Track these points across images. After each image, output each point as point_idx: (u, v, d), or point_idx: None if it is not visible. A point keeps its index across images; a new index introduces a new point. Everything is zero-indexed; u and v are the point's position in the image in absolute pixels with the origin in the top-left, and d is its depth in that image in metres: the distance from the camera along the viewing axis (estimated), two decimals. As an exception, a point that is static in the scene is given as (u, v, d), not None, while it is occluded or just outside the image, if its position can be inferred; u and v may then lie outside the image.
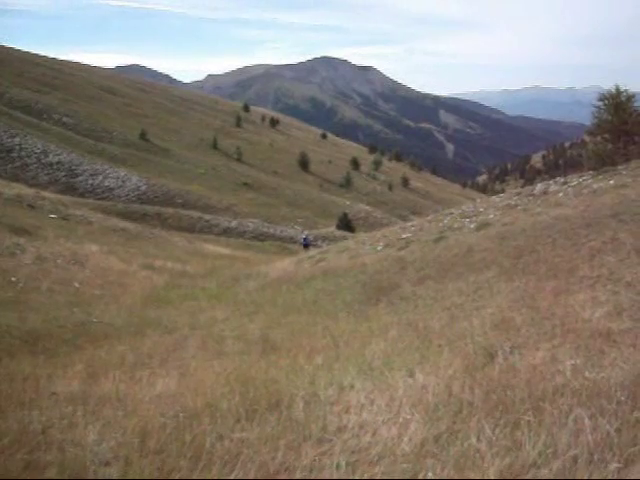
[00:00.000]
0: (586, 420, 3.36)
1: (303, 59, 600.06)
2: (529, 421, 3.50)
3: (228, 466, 3.52)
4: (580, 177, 18.56)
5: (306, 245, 38.26)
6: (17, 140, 60.22)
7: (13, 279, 16.91)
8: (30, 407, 4.95)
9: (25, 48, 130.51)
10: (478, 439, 3.38)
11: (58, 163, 59.79)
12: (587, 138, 24.59)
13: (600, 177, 17.27)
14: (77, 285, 18.19)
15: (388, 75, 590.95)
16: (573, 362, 4.58)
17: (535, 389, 4.00)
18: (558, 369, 4.49)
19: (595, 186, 16.16)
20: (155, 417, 4.47)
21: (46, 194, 45.32)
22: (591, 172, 18.74)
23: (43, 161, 59.19)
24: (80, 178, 59.20)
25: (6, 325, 12.07)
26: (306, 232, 41.89)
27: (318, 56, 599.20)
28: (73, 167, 60.19)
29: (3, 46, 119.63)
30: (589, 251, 9.90)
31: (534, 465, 3.08)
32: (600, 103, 20.67)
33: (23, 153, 59.00)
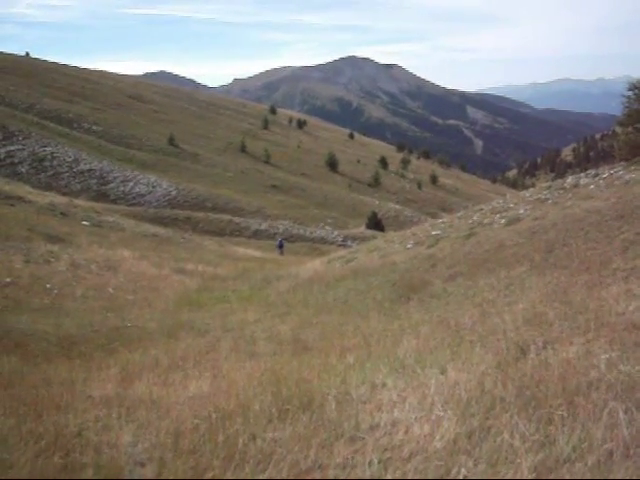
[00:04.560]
0: (621, 414, 3.31)
1: (328, 59, 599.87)
2: (563, 416, 3.46)
3: (261, 465, 3.54)
4: (611, 169, 18.28)
5: (280, 246, 42.48)
6: (49, 149, 61.23)
7: (48, 286, 17.21)
8: (66, 410, 5.03)
9: (54, 59, 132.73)
10: (511, 435, 3.35)
11: (89, 171, 60.66)
12: (618, 129, 24.17)
13: (632, 168, 17.00)
14: (111, 290, 18.44)
15: (414, 72, 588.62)
16: (607, 356, 4.51)
17: (569, 384, 3.95)
18: (592, 363, 4.42)
19: (627, 177, 15.91)
20: (188, 418, 4.51)
21: (78, 202, 46.04)
22: (623, 163, 18.45)
23: (75, 169, 60.09)
24: (111, 185, 59.98)
25: (43, 331, 12.30)
26: (280, 237, 46.87)
27: (343, 56, 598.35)
28: (104, 174, 61.02)
29: (33, 58, 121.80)
30: (622, 243, 9.75)
31: (568, 460, 3.04)
32: (630, 93, 20.31)
33: (55, 162, 59.97)
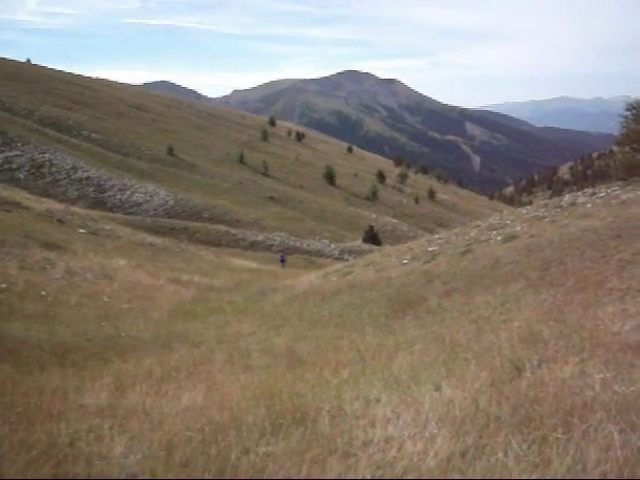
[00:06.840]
0: (616, 435, 3.30)
1: (328, 73, 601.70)
2: (557, 436, 3.44)
3: (253, 480, 3.52)
4: (608, 188, 18.35)
5: (282, 261, 43.62)
6: (47, 156, 61.23)
7: (43, 293, 17.15)
8: (58, 419, 4.99)
9: (54, 66, 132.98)
10: (505, 454, 3.33)
11: (87, 178, 60.66)
12: (615, 148, 24.30)
13: (629, 187, 17.06)
14: (106, 299, 18.38)
15: (413, 88, 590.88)
16: (602, 376, 4.51)
17: (564, 403, 3.93)
18: (587, 383, 4.41)
19: (624, 197, 15.96)
20: (181, 431, 4.48)
21: (75, 209, 45.99)
22: (619, 182, 18.53)
23: (73, 177, 60.08)
24: (109, 193, 59.98)
25: (36, 338, 12.24)
26: (281, 253, 48.16)
27: (343, 70, 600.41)
28: (102, 182, 61.04)
29: (34, 65, 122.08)
30: (618, 263, 9.77)
31: (562, 481, 3.03)
32: (628, 112, 20.43)
33: (53, 169, 59.97)
